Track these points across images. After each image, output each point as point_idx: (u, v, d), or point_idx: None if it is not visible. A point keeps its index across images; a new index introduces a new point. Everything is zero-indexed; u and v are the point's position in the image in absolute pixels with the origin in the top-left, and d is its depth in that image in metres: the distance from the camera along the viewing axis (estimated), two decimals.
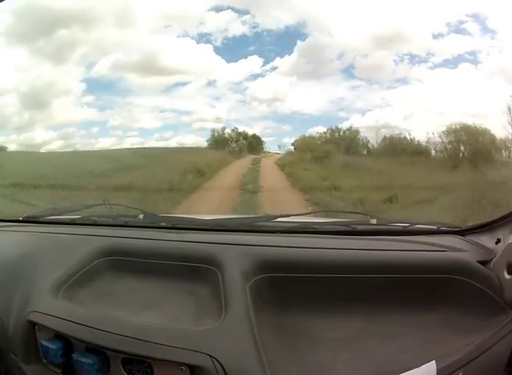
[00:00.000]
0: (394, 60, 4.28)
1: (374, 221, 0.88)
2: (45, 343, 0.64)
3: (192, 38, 4.39)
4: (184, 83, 4.65)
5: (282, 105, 4.86)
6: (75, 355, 0.62)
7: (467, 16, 3.81)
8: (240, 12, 4.32)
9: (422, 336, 0.62)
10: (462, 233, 0.83)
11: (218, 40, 4.42)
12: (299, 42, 4.50)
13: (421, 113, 4.29)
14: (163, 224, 0.94)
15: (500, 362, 0.57)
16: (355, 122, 4.52)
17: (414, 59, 4.24)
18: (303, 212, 0.97)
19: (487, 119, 3.68)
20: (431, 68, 4.12)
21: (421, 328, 0.64)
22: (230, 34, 4.40)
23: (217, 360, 0.55)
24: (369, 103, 4.54)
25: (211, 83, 4.71)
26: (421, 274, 0.68)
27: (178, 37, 4.45)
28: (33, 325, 0.67)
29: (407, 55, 4.18)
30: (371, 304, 0.67)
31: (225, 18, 4.38)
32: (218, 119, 4.60)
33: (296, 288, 0.69)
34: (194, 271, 0.73)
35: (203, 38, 4.46)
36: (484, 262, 0.68)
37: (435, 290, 0.67)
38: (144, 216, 0.95)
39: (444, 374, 0.55)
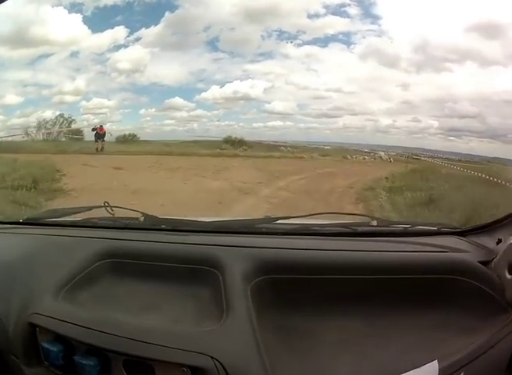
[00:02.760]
0: (262, 35, 4.45)
1: (374, 223, 0.88)
2: (46, 345, 0.64)
3: (65, 8, 4.35)
4: (48, 55, 4.53)
5: (142, 76, 4.88)
6: (76, 357, 0.61)
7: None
8: None
9: (424, 336, 0.62)
10: (463, 234, 0.84)
11: (88, 10, 4.39)
12: (167, 13, 4.52)
13: (283, 86, 4.44)
14: (163, 226, 0.93)
15: (502, 361, 0.58)
16: (213, 93, 4.63)
17: (282, 35, 4.43)
18: (303, 214, 0.96)
19: (350, 95, 3.70)
20: (299, 45, 4.33)
21: (422, 329, 0.64)
22: (101, 4, 4.39)
23: (218, 361, 0.55)
24: (229, 75, 4.76)
25: (73, 55, 4.63)
26: (423, 275, 0.69)
27: (52, 6, 4.41)
28: (33, 327, 0.67)
29: (276, 31, 4.38)
30: (372, 305, 0.67)
31: None
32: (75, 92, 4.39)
33: (296, 290, 0.69)
34: (195, 273, 0.73)
35: (75, 8, 4.43)
36: (485, 263, 0.69)
37: (437, 290, 0.67)
38: (144, 219, 0.95)
39: (446, 374, 0.55)
